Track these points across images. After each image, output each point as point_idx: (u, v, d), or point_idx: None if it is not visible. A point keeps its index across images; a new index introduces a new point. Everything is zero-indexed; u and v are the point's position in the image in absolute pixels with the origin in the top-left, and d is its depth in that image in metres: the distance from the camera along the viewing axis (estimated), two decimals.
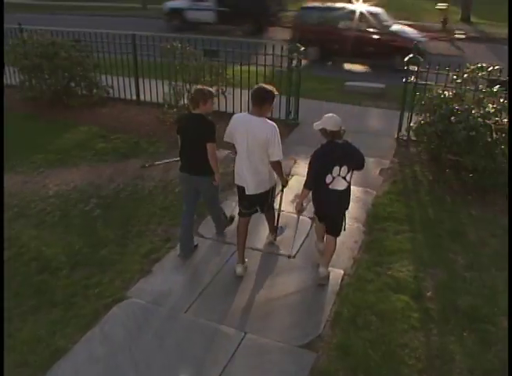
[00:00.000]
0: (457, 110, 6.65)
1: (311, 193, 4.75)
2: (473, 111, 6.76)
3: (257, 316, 4.47)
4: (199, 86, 5.20)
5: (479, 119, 6.52)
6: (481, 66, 6.89)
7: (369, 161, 7.43)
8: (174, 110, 8.98)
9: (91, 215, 6.16)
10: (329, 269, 4.99)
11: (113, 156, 7.83)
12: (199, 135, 4.82)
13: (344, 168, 4.50)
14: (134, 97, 10.17)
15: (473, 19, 23.06)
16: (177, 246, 5.46)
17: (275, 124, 4.61)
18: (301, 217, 5.92)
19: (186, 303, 4.62)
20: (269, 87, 4.63)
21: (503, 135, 6.64)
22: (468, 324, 4.40)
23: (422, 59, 7.87)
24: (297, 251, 5.39)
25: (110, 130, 8.83)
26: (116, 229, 5.84)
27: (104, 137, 8.54)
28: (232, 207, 5.94)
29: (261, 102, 4.54)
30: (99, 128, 8.90)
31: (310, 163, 4.61)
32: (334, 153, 4.50)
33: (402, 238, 5.59)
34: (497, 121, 6.66)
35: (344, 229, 4.91)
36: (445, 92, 6.93)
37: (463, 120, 6.47)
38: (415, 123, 7.45)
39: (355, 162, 4.57)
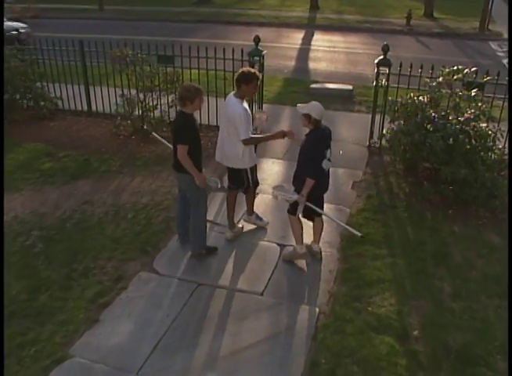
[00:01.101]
0: (434, 117, 6.15)
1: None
2: (450, 117, 6.29)
3: (221, 374, 3.84)
4: (186, 83, 5.43)
5: (457, 126, 6.05)
6: (457, 69, 6.39)
7: (340, 173, 6.95)
8: (129, 122, 8.28)
9: (32, 250, 5.41)
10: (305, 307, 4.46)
11: (60, 177, 7.06)
12: (175, 133, 4.83)
13: (329, 151, 4.82)
14: (85, 108, 9.38)
15: (436, 14, 22.88)
16: (128, 287, 4.81)
17: (247, 107, 5.01)
18: (268, 243, 5.41)
19: (139, 360, 3.95)
20: (247, 70, 5.07)
21: (482, 141, 6.20)
22: (462, 369, 3.88)
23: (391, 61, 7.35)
24: (266, 287, 4.77)
25: (59, 147, 8.05)
26: (59, 267, 5.12)
27: (51, 155, 7.75)
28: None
29: (237, 83, 5.00)
30: (46, 145, 8.09)
31: (311, 152, 4.71)
32: (325, 138, 4.79)
33: (381, 264, 5.04)
34: (475, 126, 6.21)
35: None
36: (420, 98, 6.42)
37: (440, 128, 5.98)
38: (387, 130, 6.93)
39: None
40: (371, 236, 5.47)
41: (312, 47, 16.80)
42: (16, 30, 14.52)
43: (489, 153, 6.25)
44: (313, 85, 10.96)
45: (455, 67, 6.40)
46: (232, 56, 7.85)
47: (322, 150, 4.72)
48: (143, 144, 7.99)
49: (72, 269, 5.09)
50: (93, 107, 9.31)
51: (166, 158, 7.50)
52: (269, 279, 4.87)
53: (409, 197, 6.33)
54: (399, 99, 6.61)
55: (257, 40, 7.67)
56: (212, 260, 5.19)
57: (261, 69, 7.92)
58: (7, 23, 14.43)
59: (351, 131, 8.51)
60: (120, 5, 26.78)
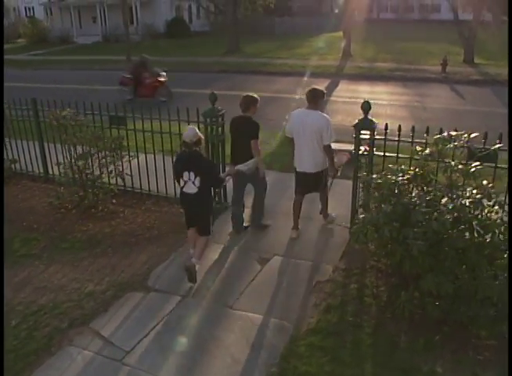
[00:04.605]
0: (415, 202, 4.54)
1: None
2: (443, 201, 4.65)
3: None
4: (246, 93, 6.06)
5: (448, 216, 4.40)
6: (449, 137, 4.76)
7: (304, 268, 5.39)
8: (75, 195, 7.02)
9: None
10: None
11: None
12: (245, 132, 5.84)
13: (192, 174, 5.09)
14: (42, 171, 8.32)
15: (477, 60, 21.09)
16: None
17: (328, 117, 5.84)
18: None
19: None
20: (320, 87, 5.94)
21: (489, 234, 4.47)
22: None
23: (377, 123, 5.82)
24: None
25: None
26: None
27: None
28: None
29: (314, 99, 5.80)
30: None
31: None
32: (182, 159, 5.22)
33: None
34: (480, 213, 4.52)
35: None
36: (400, 176, 4.80)
37: (422, 220, 4.35)
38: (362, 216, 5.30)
39: (203, 169, 5.11)
40: None
41: (332, 98, 15.37)
42: None
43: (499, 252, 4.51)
44: None
45: (445, 133, 4.77)
46: (188, 117, 6.59)
47: (178, 170, 5.21)
48: (82, 220, 6.72)
49: None
50: (51, 171, 8.22)
51: (98, 241, 6.24)
52: None
53: (382, 311, 4.64)
54: (375, 175, 5.03)
55: (212, 98, 6.35)
56: None
57: (221, 131, 6.60)
58: None
59: (337, 207, 6.86)
60: (151, 56, 26.60)
